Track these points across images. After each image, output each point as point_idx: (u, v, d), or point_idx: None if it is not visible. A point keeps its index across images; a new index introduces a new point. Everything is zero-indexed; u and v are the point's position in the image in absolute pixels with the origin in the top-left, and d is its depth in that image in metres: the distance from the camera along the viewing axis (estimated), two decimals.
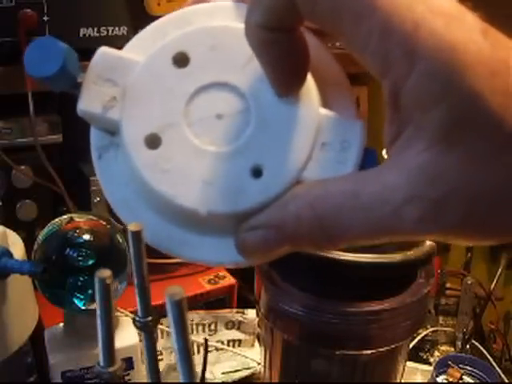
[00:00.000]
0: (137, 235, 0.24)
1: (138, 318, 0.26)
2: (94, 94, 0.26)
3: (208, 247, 0.26)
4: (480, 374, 0.75)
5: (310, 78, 0.26)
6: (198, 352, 0.71)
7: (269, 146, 0.25)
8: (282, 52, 0.25)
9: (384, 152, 0.26)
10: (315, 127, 0.25)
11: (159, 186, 0.25)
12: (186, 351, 0.23)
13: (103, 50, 0.27)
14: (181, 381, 0.23)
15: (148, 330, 0.26)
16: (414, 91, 0.22)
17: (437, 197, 0.22)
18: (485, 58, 0.21)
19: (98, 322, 0.23)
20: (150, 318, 0.26)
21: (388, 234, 0.24)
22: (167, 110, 0.26)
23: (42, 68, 0.25)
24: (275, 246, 0.25)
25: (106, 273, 0.23)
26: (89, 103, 0.26)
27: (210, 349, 0.72)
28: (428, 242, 0.53)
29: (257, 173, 0.25)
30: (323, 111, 0.26)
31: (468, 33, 0.22)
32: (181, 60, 0.26)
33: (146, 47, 0.27)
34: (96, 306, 0.23)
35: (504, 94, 0.21)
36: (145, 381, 0.59)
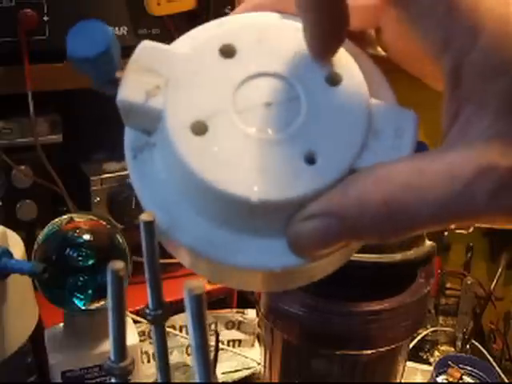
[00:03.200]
0: (149, 226, 0.23)
1: (148, 311, 0.25)
2: (136, 84, 0.25)
3: (253, 250, 0.24)
4: (480, 374, 0.75)
5: (357, 68, 0.25)
6: None
7: (322, 132, 0.24)
8: (327, 14, 0.24)
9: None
10: (367, 114, 0.25)
11: (205, 174, 0.23)
12: (203, 349, 0.22)
13: (146, 43, 0.26)
14: (197, 380, 0.22)
15: (158, 323, 0.26)
16: (478, 63, 0.22)
17: (511, 166, 0.21)
18: None
19: (110, 315, 0.22)
20: (160, 311, 0.25)
21: (457, 214, 0.22)
22: (214, 98, 0.25)
23: (87, 48, 0.24)
24: (334, 237, 0.23)
25: (119, 264, 0.22)
26: (130, 92, 0.25)
27: (210, 349, 0.72)
28: (428, 242, 0.53)
29: (311, 159, 0.24)
30: (374, 100, 0.25)
31: None
32: (228, 51, 0.26)
33: (189, 43, 0.26)
34: (108, 298, 0.22)
35: None
36: (145, 381, 0.59)
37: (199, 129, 0.24)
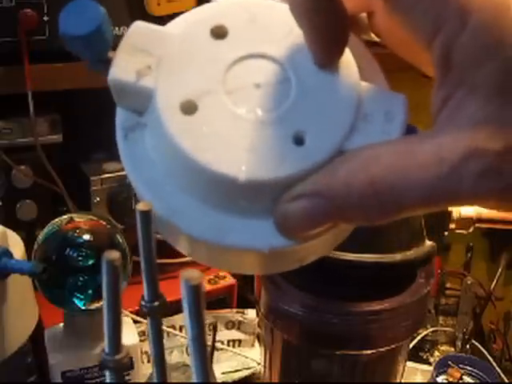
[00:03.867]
0: (146, 215, 0.23)
1: (144, 303, 0.24)
2: (128, 63, 0.25)
3: (241, 230, 0.24)
4: (480, 374, 0.75)
5: (348, 51, 0.25)
6: None
7: (311, 114, 0.24)
8: (325, 19, 0.24)
9: None
10: (357, 97, 0.25)
11: (194, 153, 0.24)
12: (200, 341, 0.21)
13: (138, 23, 0.26)
14: (194, 374, 0.22)
15: (154, 316, 0.25)
16: (468, 47, 0.22)
17: (499, 149, 0.21)
18: None
19: (105, 307, 0.22)
20: (156, 303, 0.25)
21: (445, 197, 0.22)
22: (204, 78, 0.25)
23: (79, 26, 0.24)
24: (321, 218, 0.23)
25: (114, 254, 0.21)
26: (122, 71, 0.25)
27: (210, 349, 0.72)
28: (428, 242, 0.53)
29: (299, 140, 0.24)
30: (364, 83, 0.25)
31: None
32: (219, 32, 0.26)
33: (182, 25, 0.27)
34: (103, 290, 0.22)
35: None
36: (144, 381, 0.59)
37: (189, 108, 0.24)
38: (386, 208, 0.22)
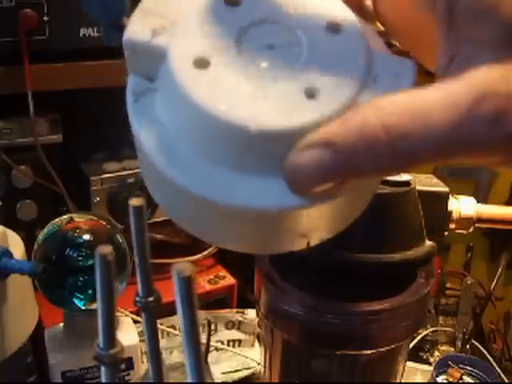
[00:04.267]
0: (138, 210, 0.23)
1: (138, 298, 0.24)
2: (142, 24, 0.26)
3: (250, 189, 0.24)
4: (480, 374, 0.75)
5: (356, 20, 0.27)
6: None
7: (322, 72, 0.25)
8: None
9: None
10: (367, 57, 0.26)
11: (206, 104, 0.24)
12: (193, 335, 0.21)
13: None
14: (187, 368, 0.22)
15: (149, 311, 0.25)
16: (469, 6, 0.22)
17: (511, 91, 0.21)
18: None
19: (98, 301, 0.22)
20: (151, 298, 0.25)
21: (457, 143, 0.21)
22: (217, 39, 0.26)
23: None
24: (331, 169, 0.22)
25: (106, 249, 0.21)
26: (136, 32, 0.26)
27: (209, 349, 0.72)
28: (428, 242, 0.53)
29: (311, 94, 0.25)
30: (374, 48, 0.26)
31: None
32: (233, 1, 0.27)
33: None
34: (96, 285, 0.22)
35: None
36: (144, 381, 0.59)
37: (201, 64, 0.25)
38: (399, 157, 0.22)
